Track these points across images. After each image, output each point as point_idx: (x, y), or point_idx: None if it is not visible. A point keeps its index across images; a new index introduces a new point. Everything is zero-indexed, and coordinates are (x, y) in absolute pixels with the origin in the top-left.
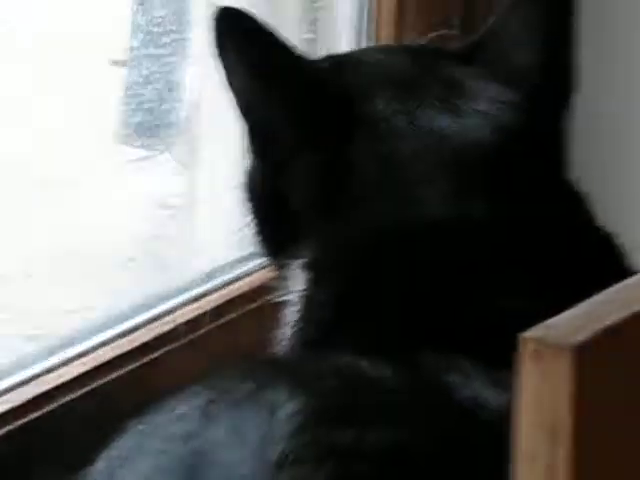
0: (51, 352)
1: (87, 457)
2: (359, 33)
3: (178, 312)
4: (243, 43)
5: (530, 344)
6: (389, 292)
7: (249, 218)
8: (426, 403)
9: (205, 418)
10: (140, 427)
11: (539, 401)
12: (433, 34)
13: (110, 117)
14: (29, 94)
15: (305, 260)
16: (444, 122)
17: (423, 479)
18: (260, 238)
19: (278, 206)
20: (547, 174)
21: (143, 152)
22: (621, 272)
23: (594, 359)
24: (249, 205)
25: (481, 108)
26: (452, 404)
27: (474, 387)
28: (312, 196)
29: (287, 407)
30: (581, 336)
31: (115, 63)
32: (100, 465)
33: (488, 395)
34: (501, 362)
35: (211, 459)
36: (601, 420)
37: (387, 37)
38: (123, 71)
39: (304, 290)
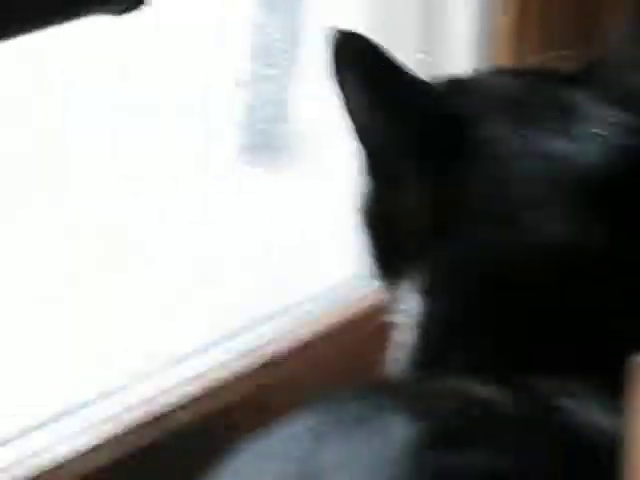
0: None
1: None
2: (475, 53)
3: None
4: (360, 66)
5: None
6: (501, 315)
7: (364, 239)
8: (542, 428)
9: (318, 440)
10: (252, 448)
11: None
12: (551, 54)
13: (230, 137)
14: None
15: (418, 282)
16: (560, 145)
17: None
18: (374, 260)
19: (392, 228)
20: None
21: (261, 171)
22: None
23: None
24: (363, 226)
25: (598, 131)
26: (569, 430)
27: (588, 412)
28: (426, 218)
29: (400, 430)
30: None
31: (239, 84)
32: None
33: (602, 420)
34: (611, 386)
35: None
36: None
37: (503, 57)
38: (243, 92)
39: (417, 312)
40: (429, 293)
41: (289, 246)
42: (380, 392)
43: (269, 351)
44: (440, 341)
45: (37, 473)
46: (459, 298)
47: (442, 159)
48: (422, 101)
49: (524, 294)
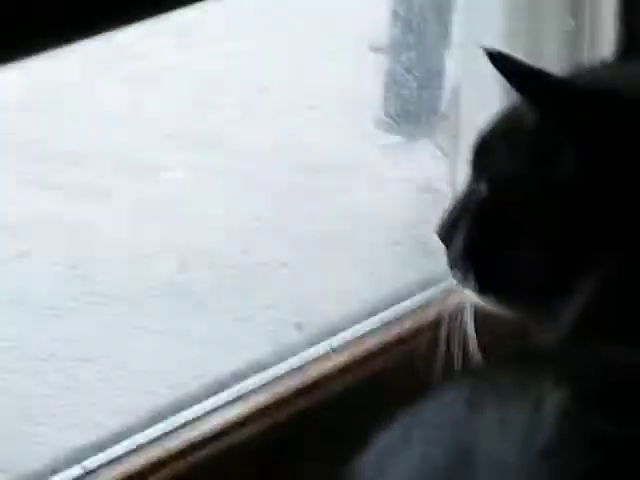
0: (314, 341)
1: (356, 448)
2: None
3: (434, 303)
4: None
5: None
6: None
7: None
8: None
9: (471, 407)
10: (407, 418)
11: None
12: None
13: (370, 104)
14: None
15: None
16: None
17: None
18: None
19: None
20: None
21: (403, 139)
22: None
23: None
24: None
25: None
26: None
27: None
28: None
29: (553, 396)
30: None
31: (375, 50)
32: (369, 457)
33: None
34: None
35: (478, 449)
36: None
37: None
38: (382, 58)
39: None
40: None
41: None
42: (532, 359)
43: (420, 319)
44: (598, 313)
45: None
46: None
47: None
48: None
49: None
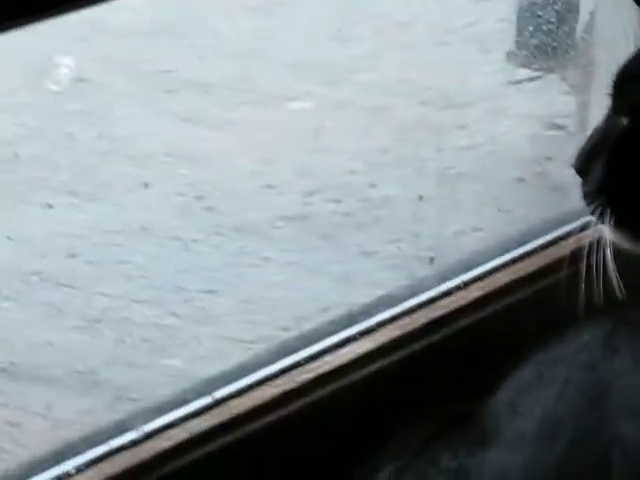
0: (446, 276)
1: (488, 387)
2: None
3: (568, 239)
4: None
5: None
6: None
7: None
8: None
9: (608, 348)
10: (542, 356)
11: None
12: None
13: (503, 38)
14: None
15: None
16: None
17: None
18: None
19: None
20: None
21: (534, 73)
22: None
23: None
24: None
25: None
26: None
27: None
28: None
29: None
30: None
31: None
32: (503, 395)
33: None
34: None
35: (613, 388)
36: None
37: None
38: None
39: None
40: None
41: (569, 146)
42: None
43: (552, 255)
44: None
45: None
46: None
47: None
48: None
49: None
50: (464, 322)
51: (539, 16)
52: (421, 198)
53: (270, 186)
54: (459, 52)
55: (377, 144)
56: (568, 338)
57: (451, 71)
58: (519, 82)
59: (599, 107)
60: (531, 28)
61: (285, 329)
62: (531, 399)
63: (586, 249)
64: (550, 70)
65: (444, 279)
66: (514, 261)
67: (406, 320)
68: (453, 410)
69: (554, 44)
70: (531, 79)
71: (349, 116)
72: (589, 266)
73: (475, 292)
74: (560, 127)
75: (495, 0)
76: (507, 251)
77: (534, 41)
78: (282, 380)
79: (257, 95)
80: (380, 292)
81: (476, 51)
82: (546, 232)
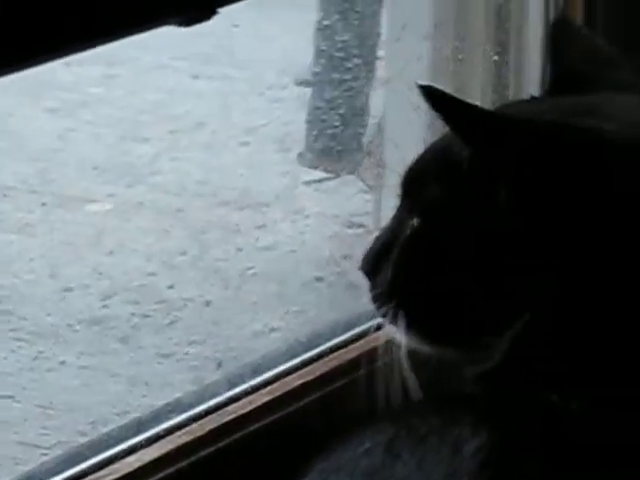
0: (234, 381)
1: None
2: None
3: (366, 338)
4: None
5: None
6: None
7: None
8: (620, 441)
9: (389, 454)
10: (325, 464)
11: None
12: None
13: (295, 138)
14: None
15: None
16: None
17: None
18: None
19: None
20: None
21: (328, 174)
22: None
23: None
24: None
25: None
26: None
27: None
28: None
29: (471, 443)
30: None
31: (300, 83)
32: None
33: None
34: None
35: None
36: None
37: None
38: (308, 91)
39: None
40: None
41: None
42: (450, 405)
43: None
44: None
45: None
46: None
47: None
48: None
49: None
50: (253, 427)
51: (323, 120)
52: (218, 299)
53: (68, 289)
54: (258, 152)
55: (176, 245)
56: (351, 444)
57: (250, 171)
58: (318, 182)
59: (390, 207)
60: (315, 132)
61: (82, 434)
62: None
63: (381, 349)
64: (342, 171)
65: (232, 384)
66: (304, 364)
67: (194, 426)
68: None
69: (339, 147)
70: (328, 179)
71: (148, 217)
72: (384, 366)
73: (264, 397)
74: (359, 225)
75: (291, 100)
76: (298, 353)
77: (319, 145)
78: None
79: (56, 197)
80: (177, 394)
81: (274, 151)
82: (341, 332)
